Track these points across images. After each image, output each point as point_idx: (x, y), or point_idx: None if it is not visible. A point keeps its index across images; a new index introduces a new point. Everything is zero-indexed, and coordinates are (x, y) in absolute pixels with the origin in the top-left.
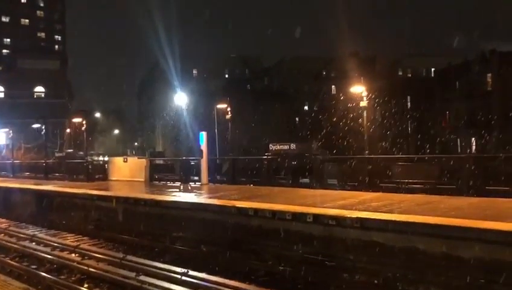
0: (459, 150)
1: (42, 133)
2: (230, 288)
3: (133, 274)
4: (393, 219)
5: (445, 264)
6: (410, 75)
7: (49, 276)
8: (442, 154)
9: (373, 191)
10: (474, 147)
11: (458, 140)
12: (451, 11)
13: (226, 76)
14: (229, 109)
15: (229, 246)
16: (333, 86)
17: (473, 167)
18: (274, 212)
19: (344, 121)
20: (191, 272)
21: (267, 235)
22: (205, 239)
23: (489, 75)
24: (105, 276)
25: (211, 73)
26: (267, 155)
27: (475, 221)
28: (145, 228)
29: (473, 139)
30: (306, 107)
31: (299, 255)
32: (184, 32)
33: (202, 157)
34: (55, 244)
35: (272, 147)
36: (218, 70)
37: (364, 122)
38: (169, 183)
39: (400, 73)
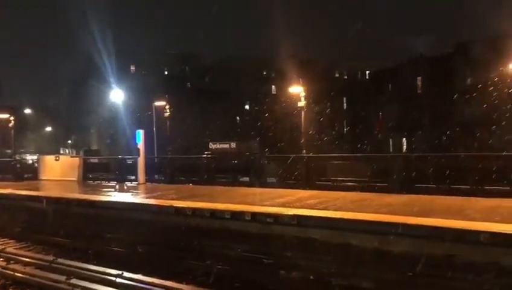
0: (391, 150)
1: None
2: (166, 289)
3: (63, 278)
4: (328, 215)
5: (377, 259)
6: (346, 77)
7: None
8: (375, 154)
9: (310, 189)
10: (404, 147)
11: (390, 140)
12: (386, 17)
13: (166, 73)
14: (167, 107)
15: (167, 247)
16: (273, 86)
17: (403, 166)
18: (213, 212)
19: (283, 120)
20: (126, 274)
21: (206, 235)
22: (142, 240)
23: (419, 78)
24: (32, 281)
25: (149, 69)
26: (207, 154)
27: (404, 217)
28: (79, 230)
29: (404, 139)
30: (247, 107)
31: (238, 254)
32: (121, 27)
33: (139, 156)
34: None
35: (212, 145)
36: (157, 67)
37: (302, 122)
38: (105, 183)
39: (337, 75)
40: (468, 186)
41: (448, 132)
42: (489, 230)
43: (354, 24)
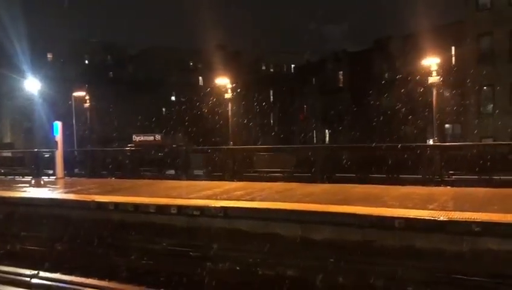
0: (314, 141)
1: None
2: (87, 287)
3: None
4: (254, 206)
5: (301, 247)
6: (272, 70)
7: None
8: (299, 145)
9: (237, 180)
10: (327, 138)
11: (314, 132)
12: (312, 12)
13: (86, 62)
14: (87, 97)
15: (88, 243)
16: (200, 78)
17: (325, 156)
18: (137, 206)
19: (210, 112)
20: (42, 274)
21: (130, 230)
22: (61, 237)
23: (340, 72)
24: None
25: (68, 58)
26: (131, 146)
27: (326, 205)
28: None
29: (327, 131)
30: (173, 98)
31: (163, 248)
32: (35, 13)
33: (57, 149)
34: None
35: (135, 138)
36: (78, 56)
37: (229, 114)
38: (19, 178)
39: (264, 68)
40: (384, 175)
41: (368, 124)
42: (403, 216)
43: (281, 18)
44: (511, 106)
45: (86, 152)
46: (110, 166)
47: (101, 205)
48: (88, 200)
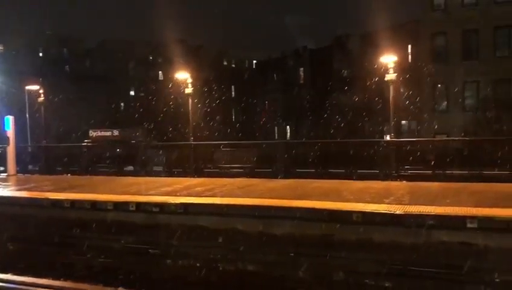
0: (276, 137)
1: None
2: (40, 287)
3: None
4: (215, 202)
5: (262, 242)
6: (234, 66)
7: None
8: (260, 141)
9: (198, 176)
10: (288, 134)
11: (276, 127)
12: (272, 9)
13: (41, 54)
14: (41, 91)
15: (42, 242)
16: (160, 72)
17: (285, 152)
18: (93, 203)
19: (170, 107)
20: None
21: (86, 227)
22: (13, 236)
23: (301, 69)
24: None
25: (21, 50)
26: (87, 142)
27: (286, 200)
28: None
29: (288, 126)
30: (132, 92)
31: (121, 246)
32: None
33: (8, 144)
34: None
35: (92, 133)
36: (31, 48)
37: (189, 109)
38: None
39: (225, 63)
40: (343, 170)
41: (328, 120)
42: (361, 210)
43: (242, 13)
44: (463, 103)
45: (40, 148)
46: (65, 162)
47: (55, 203)
48: (41, 197)
